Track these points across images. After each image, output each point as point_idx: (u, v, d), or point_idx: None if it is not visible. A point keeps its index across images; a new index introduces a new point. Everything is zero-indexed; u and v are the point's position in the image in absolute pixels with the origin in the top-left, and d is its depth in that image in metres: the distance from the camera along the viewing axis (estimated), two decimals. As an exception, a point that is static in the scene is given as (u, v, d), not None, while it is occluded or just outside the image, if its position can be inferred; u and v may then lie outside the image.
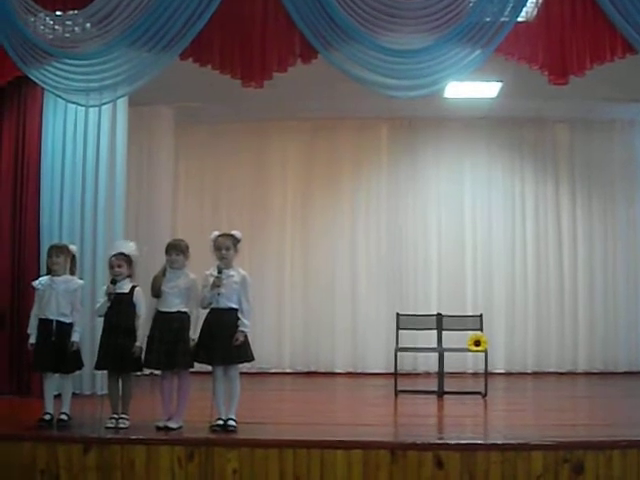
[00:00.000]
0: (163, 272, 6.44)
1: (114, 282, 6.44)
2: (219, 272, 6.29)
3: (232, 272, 6.35)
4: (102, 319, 6.52)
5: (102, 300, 6.49)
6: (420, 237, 10.98)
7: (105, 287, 6.53)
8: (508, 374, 10.47)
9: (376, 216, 11.04)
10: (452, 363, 9.25)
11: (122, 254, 6.50)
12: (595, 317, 10.77)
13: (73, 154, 8.21)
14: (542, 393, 9.45)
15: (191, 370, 6.46)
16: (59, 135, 8.20)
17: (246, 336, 6.31)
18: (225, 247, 6.36)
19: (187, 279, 6.42)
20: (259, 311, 9.47)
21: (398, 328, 8.88)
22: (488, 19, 6.60)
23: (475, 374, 9.97)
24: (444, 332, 8.81)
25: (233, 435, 6.07)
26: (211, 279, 6.31)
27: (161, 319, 6.34)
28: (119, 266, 6.47)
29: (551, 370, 10.62)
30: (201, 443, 5.86)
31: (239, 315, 6.29)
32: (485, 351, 8.42)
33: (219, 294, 6.26)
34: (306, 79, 7.60)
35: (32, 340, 6.47)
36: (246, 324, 6.28)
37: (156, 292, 6.41)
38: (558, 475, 5.63)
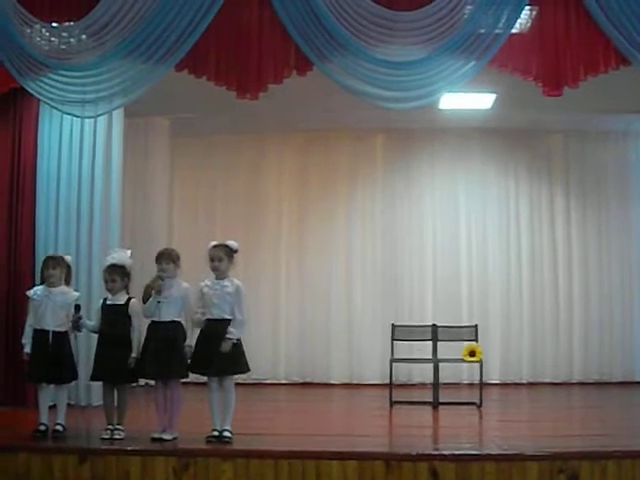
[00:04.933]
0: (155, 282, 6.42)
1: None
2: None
3: (226, 282, 6.34)
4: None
5: (96, 318, 6.52)
6: (415, 248, 10.99)
7: (101, 301, 6.55)
8: (503, 384, 10.47)
9: (371, 227, 11.05)
10: (447, 374, 9.28)
11: (115, 266, 6.48)
12: (590, 327, 10.78)
13: (69, 165, 8.21)
14: (537, 403, 9.45)
15: (187, 381, 6.46)
16: (55, 146, 8.21)
17: (241, 346, 6.31)
18: (218, 258, 6.34)
19: (180, 288, 6.39)
20: (254, 322, 9.49)
21: (393, 339, 8.87)
22: (482, 31, 6.63)
23: (470, 385, 9.95)
24: (439, 343, 8.81)
25: (228, 446, 6.06)
26: (205, 289, 6.32)
27: (155, 329, 6.32)
28: (113, 280, 6.46)
29: (546, 380, 10.62)
30: (196, 454, 5.85)
31: (230, 325, 6.28)
32: (480, 362, 8.42)
33: (213, 304, 6.26)
34: (302, 91, 7.64)
35: (27, 349, 6.46)
36: (234, 333, 6.22)
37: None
38: (553, 485, 5.64)
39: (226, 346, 6.20)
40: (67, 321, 6.47)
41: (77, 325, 6.45)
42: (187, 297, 6.40)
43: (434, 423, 7.83)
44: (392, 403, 8.43)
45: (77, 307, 6.43)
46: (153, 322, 6.34)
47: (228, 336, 6.21)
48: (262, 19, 6.82)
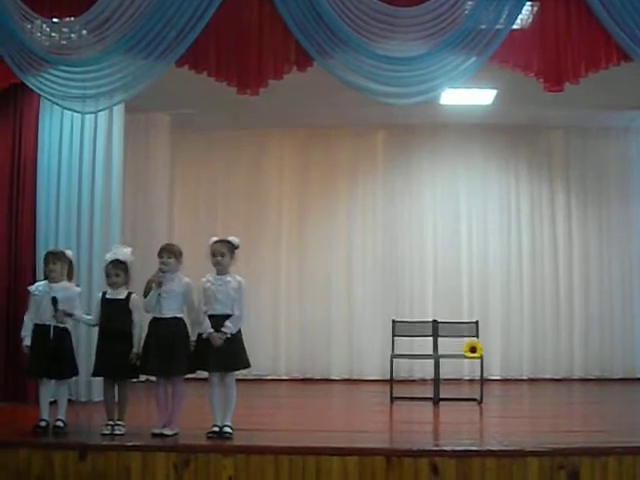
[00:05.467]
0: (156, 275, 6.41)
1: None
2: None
3: (229, 278, 6.33)
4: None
5: (94, 312, 6.53)
6: (416, 244, 11.00)
7: (100, 294, 6.55)
8: (504, 380, 10.49)
9: (372, 223, 11.06)
10: (448, 370, 9.29)
11: (119, 261, 6.48)
12: (591, 324, 10.79)
13: (69, 160, 8.22)
14: (538, 400, 9.47)
15: (187, 376, 6.44)
16: (55, 141, 8.22)
17: (242, 342, 6.31)
18: (220, 254, 6.33)
19: (181, 283, 6.38)
20: (255, 318, 9.51)
21: (394, 335, 8.88)
22: (483, 26, 6.61)
23: (471, 381, 9.99)
24: (440, 339, 8.81)
25: (229, 442, 6.06)
26: (208, 285, 6.31)
27: (156, 326, 6.31)
28: (117, 275, 6.45)
29: (547, 376, 10.64)
30: (197, 450, 5.85)
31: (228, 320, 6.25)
32: (481, 358, 8.43)
33: (217, 300, 6.25)
34: (303, 87, 7.63)
35: (27, 342, 6.45)
36: (231, 328, 6.21)
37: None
38: (553, 481, 5.64)
39: (219, 340, 6.18)
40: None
41: (61, 319, 6.43)
42: (188, 292, 6.39)
43: (435, 419, 7.83)
44: (393, 399, 8.43)
45: (54, 299, 6.40)
46: (155, 318, 6.33)
47: (224, 330, 6.20)
48: (262, 15, 6.79)
